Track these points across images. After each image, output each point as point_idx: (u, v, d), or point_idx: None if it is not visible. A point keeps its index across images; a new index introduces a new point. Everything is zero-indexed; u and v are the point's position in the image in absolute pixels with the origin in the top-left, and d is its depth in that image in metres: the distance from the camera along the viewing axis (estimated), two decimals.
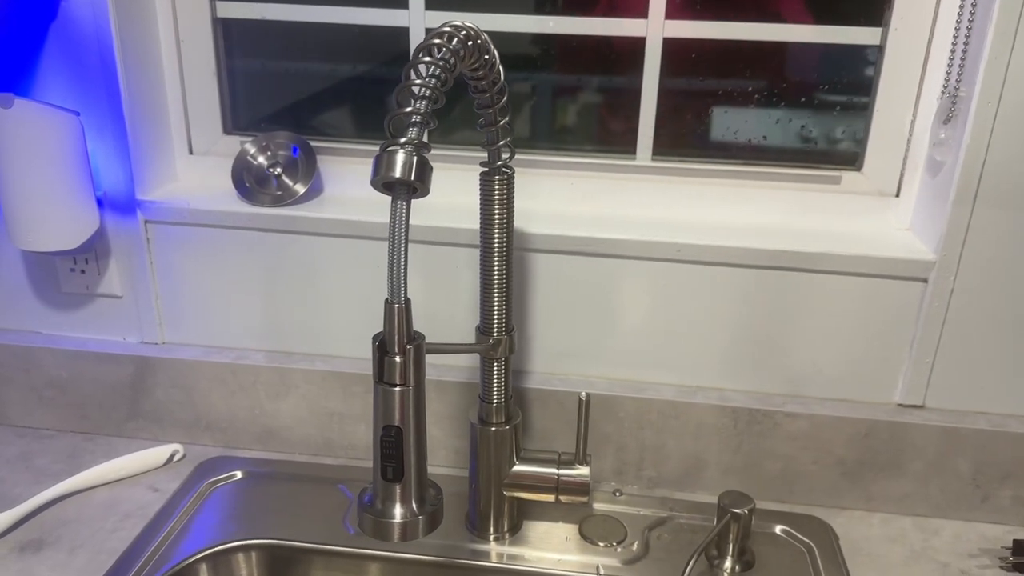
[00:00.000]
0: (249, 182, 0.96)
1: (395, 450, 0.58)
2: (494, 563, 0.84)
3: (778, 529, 0.89)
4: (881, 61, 0.88)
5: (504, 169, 0.74)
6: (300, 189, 0.95)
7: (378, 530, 0.59)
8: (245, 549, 0.84)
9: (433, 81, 0.54)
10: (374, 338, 0.59)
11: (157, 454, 0.97)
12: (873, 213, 0.93)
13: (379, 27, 0.95)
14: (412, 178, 0.52)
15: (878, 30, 0.88)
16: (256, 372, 0.97)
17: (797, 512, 0.92)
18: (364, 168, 0.99)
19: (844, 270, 0.87)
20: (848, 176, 0.93)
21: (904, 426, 0.89)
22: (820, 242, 0.87)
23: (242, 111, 1.02)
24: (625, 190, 0.95)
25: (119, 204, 0.95)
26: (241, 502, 0.90)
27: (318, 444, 1.00)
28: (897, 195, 0.92)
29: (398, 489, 0.59)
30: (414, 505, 0.60)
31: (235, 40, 0.99)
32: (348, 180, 0.99)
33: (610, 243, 0.89)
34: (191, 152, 1.02)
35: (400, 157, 0.52)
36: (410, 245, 0.95)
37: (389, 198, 0.54)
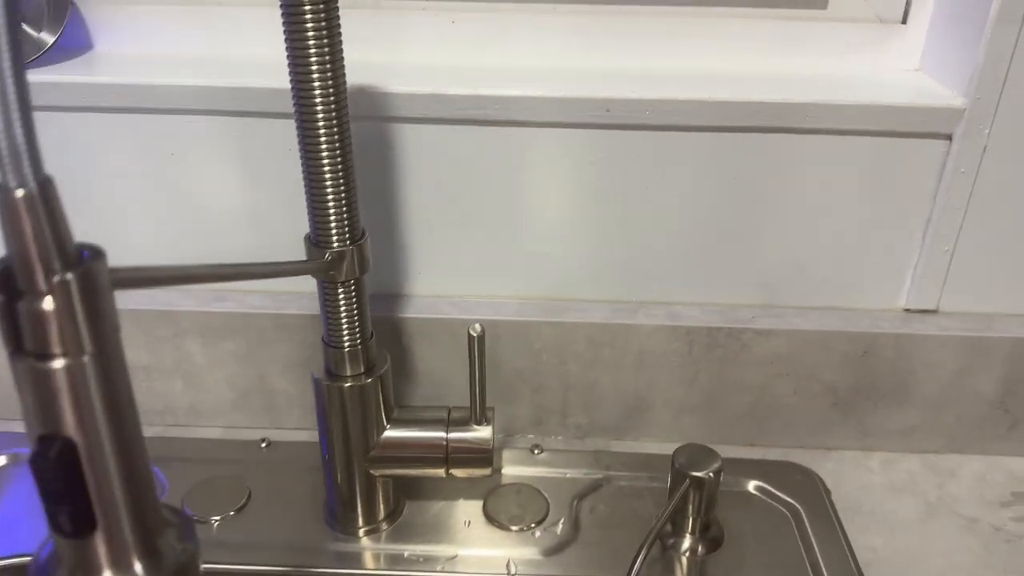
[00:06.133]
0: None
1: (66, 482, 0.30)
2: (363, 569, 0.59)
3: (751, 486, 0.66)
4: None
5: None
6: (47, 39, 0.64)
7: None
8: None
9: None
10: None
11: None
12: (870, 48, 0.67)
13: None
14: None
15: None
16: None
17: (772, 459, 0.69)
18: (151, 10, 0.68)
19: (837, 127, 0.61)
20: None
21: (913, 339, 0.66)
22: (801, 90, 0.61)
23: None
24: (532, 34, 0.67)
25: None
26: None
27: None
28: (903, 22, 0.66)
29: (97, 546, 0.32)
30: (136, 567, 0.33)
31: None
32: (127, 32, 0.68)
33: (509, 103, 0.61)
34: None
35: None
36: (217, 118, 0.66)
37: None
